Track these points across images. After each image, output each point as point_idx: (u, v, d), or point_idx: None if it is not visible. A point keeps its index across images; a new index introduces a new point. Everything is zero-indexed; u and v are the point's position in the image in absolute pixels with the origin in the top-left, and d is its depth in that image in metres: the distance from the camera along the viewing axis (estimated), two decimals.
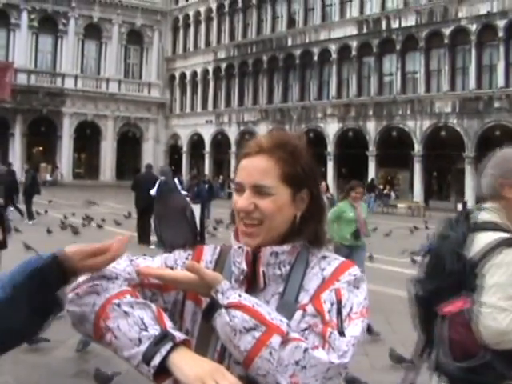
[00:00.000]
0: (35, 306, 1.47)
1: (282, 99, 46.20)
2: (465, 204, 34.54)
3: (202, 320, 1.66)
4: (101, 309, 1.52)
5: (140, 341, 1.46)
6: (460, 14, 36.08)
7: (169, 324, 1.52)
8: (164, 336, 1.46)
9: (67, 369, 6.19)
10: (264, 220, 1.65)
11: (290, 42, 45.39)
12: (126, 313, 1.50)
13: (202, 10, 53.06)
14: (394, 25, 39.16)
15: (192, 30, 54.56)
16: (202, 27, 53.42)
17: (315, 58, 43.48)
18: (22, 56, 47.53)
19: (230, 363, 1.60)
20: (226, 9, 50.87)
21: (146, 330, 1.47)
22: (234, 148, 48.33)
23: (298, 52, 44.63)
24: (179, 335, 1.48)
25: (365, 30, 40.71)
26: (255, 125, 47.06)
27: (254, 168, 1.67)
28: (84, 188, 43.85)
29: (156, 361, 1.42)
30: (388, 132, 39.33)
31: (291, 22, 46.11)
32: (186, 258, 1.78)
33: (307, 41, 44.14)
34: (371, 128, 39.89)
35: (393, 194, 39.53)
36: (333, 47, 42.32)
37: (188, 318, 1.72)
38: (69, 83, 49.71)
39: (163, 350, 1.43)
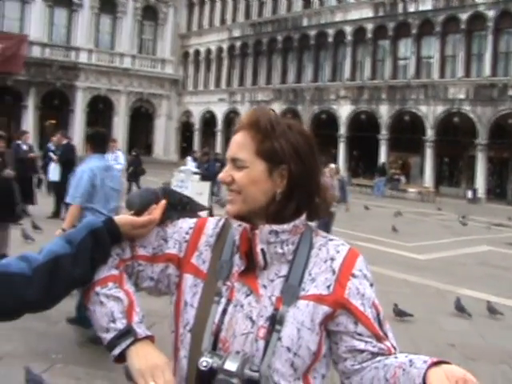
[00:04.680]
0: (95, 259, 1.74)
1: (295, 79, 46.04)
2: (475, 191, 34.52)
3: None
4: (86, 290, 1.77)
5: (108, 330, 1.69)
6: (477, 0, 35.75)
7: (136, 319, 1.71)
8: (127, 331, 1.67)
9: (75, 338, 6.39)
10: (240, 191, 1.72)
11: (305, 23, 45.13)
12: (101, 302, 1.72)
13: None
14: (411, 8, 38.79)
15: (207, 7, 54.30)
16: (218, 5, 53.15)
17: (330, 39, 43.24)
18: (36, 29, 47.37)
19: (227, 336, 1.71)
20: None
21: (114, 322, 1.69)
22: None
23: (313, 33, 44.38)
24: (141, 332, 1.69)
25: (381, 13, 40.39)
26: (268, 104, 46.86)
27: (234, 143, 1.76)
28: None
29: (115, 352, 1.67)
30: (400, 116, 39.16)
31: (307, 2, 45.76)
32: (187, 233, 1.88)
33: (322, 22, 43.84)
34: (384, 111, 39.72)
35: (403, 179, 39.48)
36: (348, 29, 42.07)
37: (187, 290, 1.81)
38: (83, 57, 49.61)
39: (123, 345, 1.67)
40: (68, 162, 16.66)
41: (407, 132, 38.72)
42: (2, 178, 9.08)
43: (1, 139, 9.47)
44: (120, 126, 51.23)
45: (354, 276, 1.74)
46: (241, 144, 1.74)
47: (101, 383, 5.42)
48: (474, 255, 15.25)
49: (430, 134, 37.44)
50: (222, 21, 52.72)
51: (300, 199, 1.76)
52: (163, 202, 1.88)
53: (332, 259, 1.75)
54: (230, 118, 50.83)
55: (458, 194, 36.92)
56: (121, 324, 1.69)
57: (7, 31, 46.63)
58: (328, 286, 1.72)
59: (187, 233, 1.88)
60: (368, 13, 41.00)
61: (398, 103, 39.16)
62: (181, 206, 2.00)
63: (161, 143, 54.49)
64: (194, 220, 1.93)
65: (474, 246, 16.71)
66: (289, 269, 1.74)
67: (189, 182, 18.00)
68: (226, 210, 1.79)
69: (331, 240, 1.82)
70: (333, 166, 16.09)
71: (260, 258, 1.73)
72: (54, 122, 49.78)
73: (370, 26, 40.89)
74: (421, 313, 8.97)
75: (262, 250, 1.72)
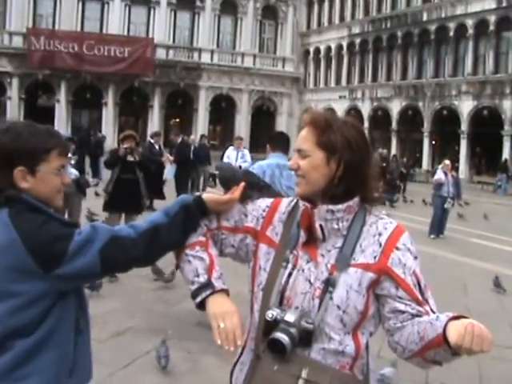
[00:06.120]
0: (186, 228, 2.26)
1: (416, 75, 45.28)
2: None
3: None
4: (179, 251, 2.31)
5: (193, 283, 2.21)
6: None
7: (215, 275, 2.21)
8: (207, 284, 2.17)
9: (191, 319, 6.95)
10: (304, 176, 2.16)
11: (425, 17, 44.30)
12: (189, 261, 2.25)
13: None
14: None
15: (326, 4, 54.25)
16: (337, 2, 52.87)
17: (451, 33, 42.20)
18: (161, 32, 49.31)
19: (290, 294, 2.16)
20: None
21: (197, 276, 2.21)
22: (366, 124, 47.71)
23: (433, 27, 43.50)
24: (218, 285, 2.19)
25: (504, 4, 38.88)
26: (388, 101, 46.56)
27: (299, 137, 2.23)
28: (219, 159, 44.95)
29: (197, 300, 2.18)
30: None
31: None
32: (263, 210, 2.34)
33: (443, 16, 42.88)
34: (507, 107, 38.41)
35: None
36: (469, 22, 40.92)
37: (261, 257, 2.28)
38: (205, 58, 50.95)
39: (204, 294, 2.16)
40: (184, 160, 17.37)
41: None
42: (127, 163, 9.53)
43: (131, 139, 9.71)
44: (242, 124, 52.14)
45: (397, 249, 2.13)
46: (304, 137, 2.20)
47: (210, 358, 5.93)
48: None
49: None
50: (341, 18, 52.59)
51: (352, 183, 2.15)
52: (243, 184, 2.35)
53: (380, 234, 2.16)
54: (351, 115, 50.53)
55: None
56: (203, 278, 2.19)
57: (134, 35, 49.12)
58: (374, 257, 2.12)
59: (264, 210, 2.34)
60: (491, 4, 39.67)
61: None
62: (257, 188, 2.48)
63: None
64: (271, 200, 2.38)
65: None
66: (343, 242, 2.15)
67: None
68: (295, 192, 2.24)
69: (381, 219, 2.22)
70: (447, 162, 16.10)
71: (319, 232, 2.16)
72: (178, 120, 51.48)
73: (492, 18, 39.58)
74: None
75: (321, 225, 2.15)
